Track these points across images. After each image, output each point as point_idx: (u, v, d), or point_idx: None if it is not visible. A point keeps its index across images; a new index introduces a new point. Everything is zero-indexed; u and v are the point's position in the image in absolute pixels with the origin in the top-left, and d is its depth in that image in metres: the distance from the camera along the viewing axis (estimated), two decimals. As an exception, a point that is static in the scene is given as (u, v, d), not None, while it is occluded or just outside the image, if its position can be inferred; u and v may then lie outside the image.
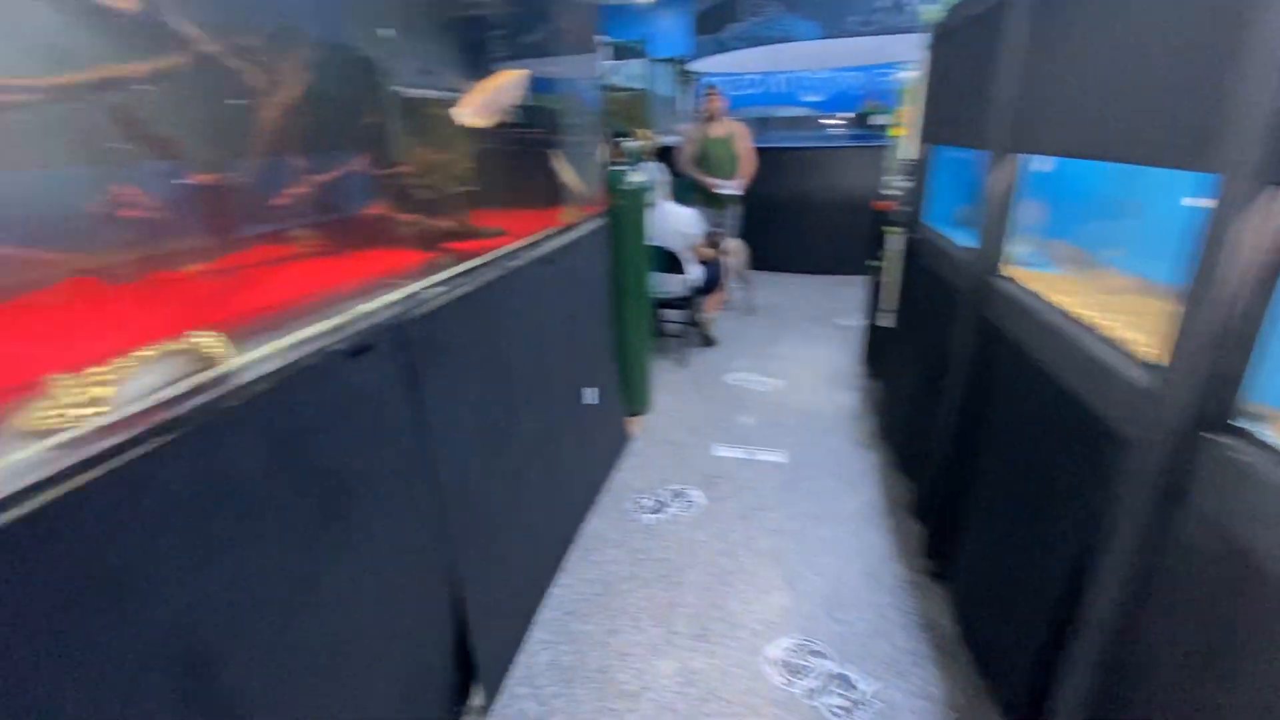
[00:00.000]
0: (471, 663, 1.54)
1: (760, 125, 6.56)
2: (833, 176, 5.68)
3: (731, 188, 4.37)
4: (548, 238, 2.09)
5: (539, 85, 2.22)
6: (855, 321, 4.16)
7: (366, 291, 1.33)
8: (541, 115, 2.46)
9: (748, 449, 2.80)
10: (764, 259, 5.47)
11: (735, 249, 4.51)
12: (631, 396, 2.94)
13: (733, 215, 4.52)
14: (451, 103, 2.29)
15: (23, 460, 0.67)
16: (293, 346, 1.05)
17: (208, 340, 0.89)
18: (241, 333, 1.11)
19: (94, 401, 0.73)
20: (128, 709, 0.75)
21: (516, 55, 2.51)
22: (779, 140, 6.14)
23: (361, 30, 1.98)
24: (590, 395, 2.40)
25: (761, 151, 4.52)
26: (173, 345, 0.84)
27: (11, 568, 0.63)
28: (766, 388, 3.45)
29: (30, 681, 0.65)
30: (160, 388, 0.80)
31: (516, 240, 1.91)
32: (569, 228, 2.28)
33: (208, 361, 0.86)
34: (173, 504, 0.80)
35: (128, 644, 0.75)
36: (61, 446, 0.70)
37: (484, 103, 1.67)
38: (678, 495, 2.46)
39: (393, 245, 1.60)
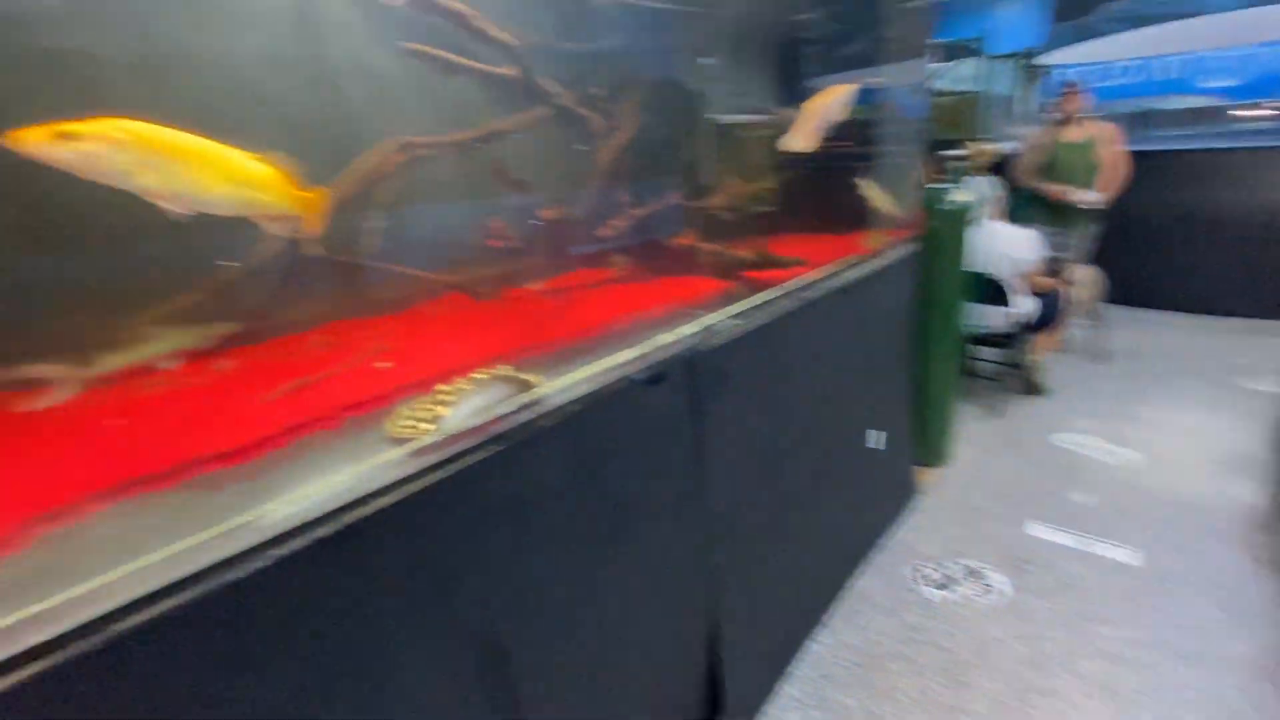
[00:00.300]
0: (719, 699, 1.51)
1: (1135, 122, 5.24)
2: (1248, 186, 4.22)
3: (1089, 200, 3.56)
4: (848, 266, 1.94)
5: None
6: (1273, 386, 3.03)
7: (666, 320, 1.39)
8: (853, 131, 2.30)
9: (1080, 536, 2.23)
10: (1128, 292, 4.35)
11: (1085, 278, 3.67)
12: (926, 445, 2.59)
13: (1085, 236, 3.69)
14: (761, 125, 2.29)
15: (388, 461, 0.84)
16: (601, 373, 1.13)
17: (526, 374, 1.01)
18: (561, 352, 1.25)
19: (435, 419, 0.88)
20: (441, 677, 0.88)
21: (835, 69, 2.40)
22: (1163, 141, 4.82)
23: (685, 63, 2.10)
24: (876, 439, 2.17)
25: (1136, 156, 3.59)
26: (500, 371, 0.96)
27: (375, 547, 0.79)
28: (1115, 459, 2.72)
29: (377, 636, 0.80)
30: (485, 409, 0.93)
31: (814, 270, 1.81)
32: (873, 255, 2.09)
33: (525, 386, 0.97)
34: (492, 507, 0.92)
35: (447, 621, 0.88)
36: (414, 453, 0.85)
37: (813, 127, 1.60)
38: (972, 574, 2.08)
39: (694, 273, 1.66)
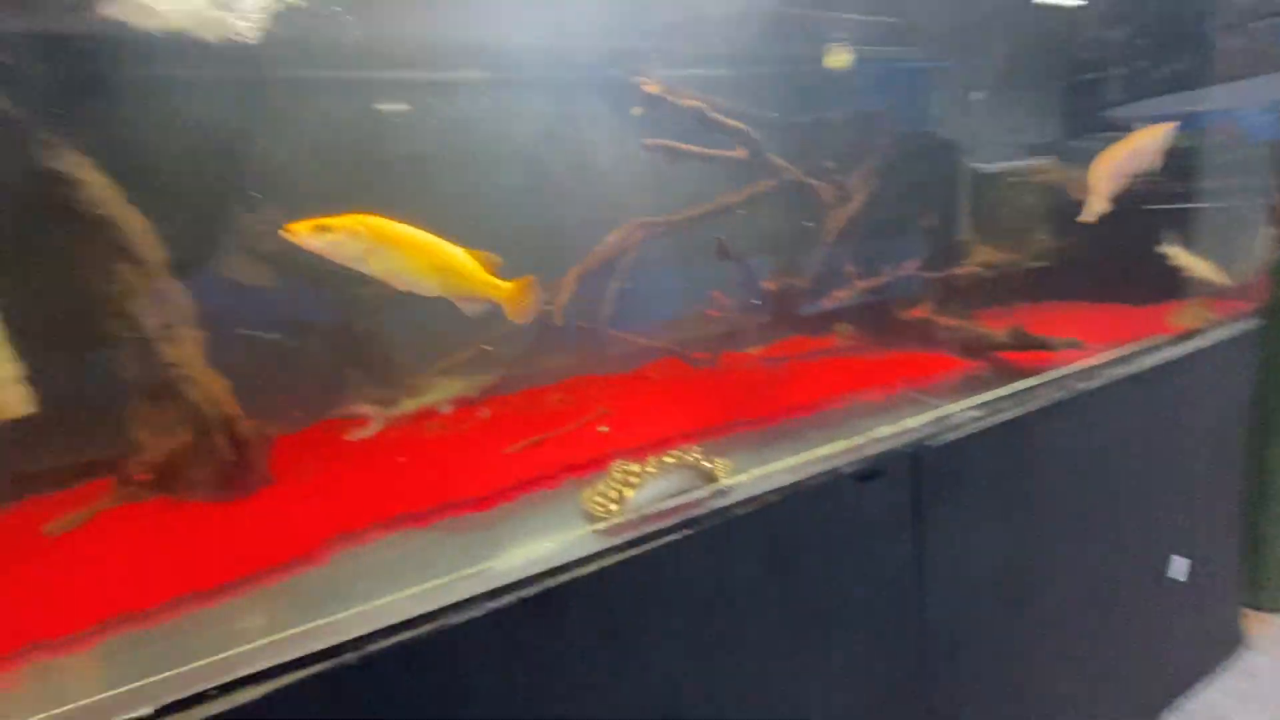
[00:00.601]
0: None
1: None
2: None
3: None
4: (1144, 350, 1.58)
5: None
6: None
7: (884, 404, 1.28)
8: (1161, 172, 1.87)
9: None
10: None
11: None
12: (1261, 583, 1.95)
13: None
14: (1034, 171, 1.99)
15: (586, 534, 0.91)
16: (805, 463, 1.09)
17: (715, 461, 1.01)
18: (765, 431, 1.23)
19: (621, 499, 0.92)
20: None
21: (1142, 93, 2.00)
22: None
23: (943, 111, 1.94)
24: (1179, 567, 1.70)
25: None
26: (687, 457, 0.98)
27: (568, 614, 0.85)
28: None
29: (564, 697, 0.86)
30: (667, 495, 0.96)
31: (1092, 354, 1.51)
32: (1184, 335, 1.67)
33: (709, 477, 0.98)
34: (680, 591, 0.93)
35: (630, 693, 0.91)
36: (607, 530, 0.91)
37: (1110, 186, 1.38)
38: (1338, 783, 1.49)
39: (928, 350, 1.50)
